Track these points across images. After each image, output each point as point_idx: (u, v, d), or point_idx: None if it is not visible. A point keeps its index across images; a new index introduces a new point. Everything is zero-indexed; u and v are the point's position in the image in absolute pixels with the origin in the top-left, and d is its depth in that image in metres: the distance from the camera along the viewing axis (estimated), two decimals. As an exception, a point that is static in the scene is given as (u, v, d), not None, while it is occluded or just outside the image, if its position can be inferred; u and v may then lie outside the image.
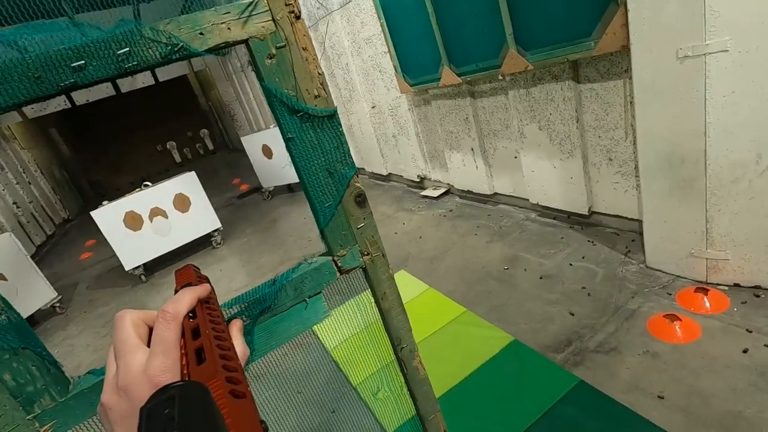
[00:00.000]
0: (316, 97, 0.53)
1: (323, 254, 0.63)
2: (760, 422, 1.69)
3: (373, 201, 5.65)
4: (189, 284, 0.48)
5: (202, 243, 5.73)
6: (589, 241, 3.18)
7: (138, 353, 0.38)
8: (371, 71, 5.11)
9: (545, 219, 3.70)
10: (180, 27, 0.45)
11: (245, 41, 0.49)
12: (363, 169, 6.78)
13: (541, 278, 2.95)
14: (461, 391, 2.21)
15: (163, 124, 16.08)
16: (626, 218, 3.07)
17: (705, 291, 2.32)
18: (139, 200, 5.05)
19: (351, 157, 0.58)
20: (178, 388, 0.32)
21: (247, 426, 0.32)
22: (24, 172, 9.87)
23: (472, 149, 4.15)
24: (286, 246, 5.11)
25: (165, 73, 11.44)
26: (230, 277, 4.74)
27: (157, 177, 14.00)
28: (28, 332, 0.47)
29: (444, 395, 2.19)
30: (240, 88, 11.12)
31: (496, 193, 4.27)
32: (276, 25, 0.50)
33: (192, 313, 0.43)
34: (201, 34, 0.46)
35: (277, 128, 5.21)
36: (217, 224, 5.64)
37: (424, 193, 5.19)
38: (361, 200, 0.59)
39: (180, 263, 5.51)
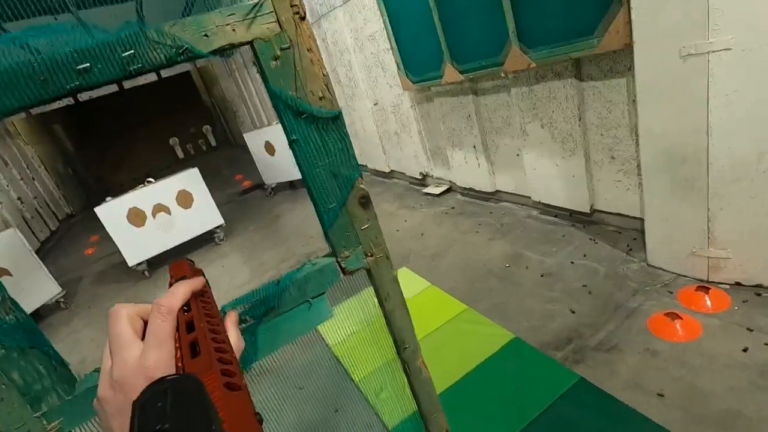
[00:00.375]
0: (320, 98, 0.54)
1: (327, 255, 0.63)
2: (759, 421, 1.69)
3: (375, 198, 5.63)
4: (183, 277, 0.49)
5: (205, 239, 5.74)
6: (590, 239, 3.18)
7: (133, 347, 0.38)
8: (374, 68, 5.10)
9: (547, 217, 3.70)
10: (185, 29, 0.45)
11: (250, 43, 0.49)
12: (365, 166, 6.78)
13: (542, 276, 2.95)
14: (462, 388, 2.22)
15: (165, 120, 16.08)
16: (628, 216, 3.07)
17: (706, 289, 2.32)
18: (142, 196, 5.06)
19: (355, 159, 0.58)
20: (171, 381, 0.32)
21: (241, 418, 0.32)
22: (28, 168, 9.91)
23: (475, 147, 4.15)
24: (289, 243, 5.12)
25: (168, 70, 11.43)
26: (232, 274, 4.76)
27: (160, 173, 14.00)
28: (36, 332, 0.48)
29: (444, 392, 2.20)
30: (243, 85, 11.11)
31: (498, 191, 4.27)
32: (281, 27, 0.50)
33: (186, 306, 0.43)
34: (206, 35, 0.47)
35: (279, 125, 5.23)
36: (220, 220, 5.66)
37: (426, 190, 5.19)
38: (365, 202, 0.60)
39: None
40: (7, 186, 8.38)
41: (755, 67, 1.84)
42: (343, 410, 2.23)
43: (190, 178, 5.36)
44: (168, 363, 0.37)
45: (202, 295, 0.48)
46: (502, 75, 3.34)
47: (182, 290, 0.44)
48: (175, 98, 16.03)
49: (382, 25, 4.40)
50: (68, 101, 10.91)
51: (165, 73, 11.61)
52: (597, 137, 2.99)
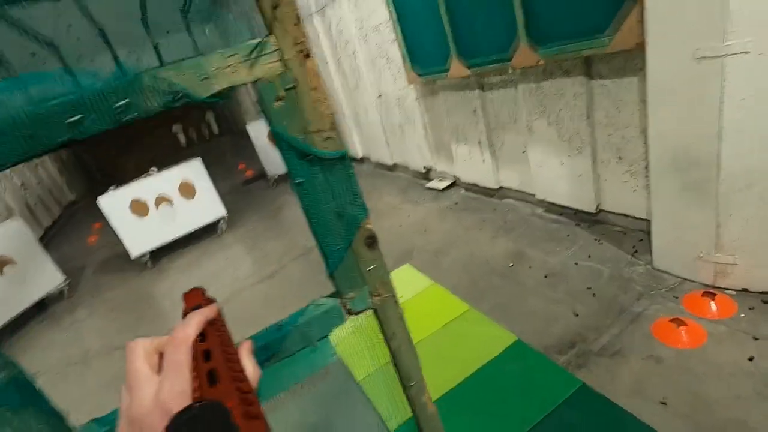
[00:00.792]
0: (326, 139, 0.51)
1: (331, 296, 0.61)
2: (763, 431, 1.68)
3: (377, 191, 5.62)
4: (197, 306, 0.48)
5: (208, 230, 5.74)
6: (595, 239, 3.15)
7: (149, 384, 0.38)
8: (378, 59, 5.02)
9: (551, 215, 3.66)
10: (182, 73, 0.42)
11: (252, 83, 0.46)
12: (368, 158, 6.73)
13: (545, 276, 2.93)
14: (463, 391, 2.22)
15: (168, 106, 15.98)
16: (634, 217, 3.03)
17: (712, 295, 2.30)
18: (145, 187, 5.05)
19: (362, 199, 0.56)
20: (200, 408, 0.33)
21: None
22: (30, 154, 9.88)
23: (479, 142, 4.09)
24: (292, 234, 5.11)
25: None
26: (236, 265, 4.76)
27: (163, 159, 14.00)
28: (29, 387, 0.46)
29: (446, 394, 2.20)
30: (245, 72, 10.98)
31: (502, 187, 4.22)
32: (285, 66, 0.47)
33: (202, 336, 0.44)
34: (205, 78, 0.44)
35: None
36: (223, 212, 5.65)
37: (429, 184, 5.15)
38: (371, 242, 0.57)
39: (186, 250, 5.55)
40: (10, 172, 8.38)
41: (773, 71, 1.79)
42: (342, 410, 2.24)
43: (193, 169, 5.34)
44: (184, 393, 0.37)
45: (215, 323, 0.47)
46: (510, 71, 3.27)
47: (197, 320, 0.44)
48: (178, 84, 15.89)
49: (388, 16, 4.31)
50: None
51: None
52: (605, 136, 2.94)
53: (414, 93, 4.74)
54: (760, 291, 2.24)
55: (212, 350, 0.41)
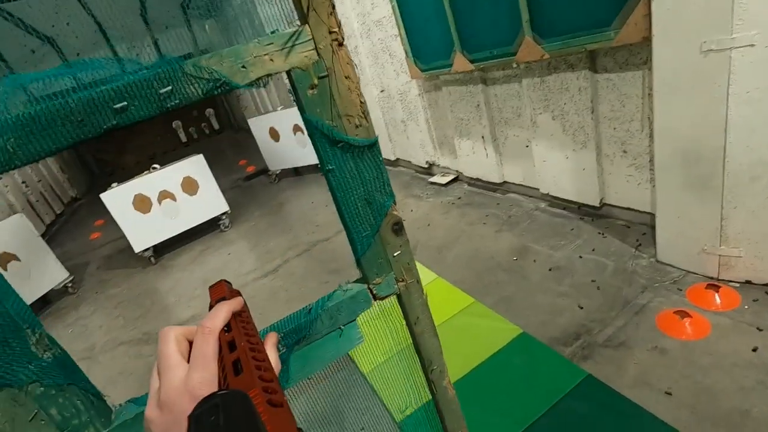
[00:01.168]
0: (357, 126, 0.52)
1: (358, 281, 0.62)
2: (767, 421, 1.70)
3: (380, 186, 5.61)
4: (223, 298, 0.50)
5: (211, 226, 5.75)
6: (599, 233, 3.17)
7: (179, 369, 0.40)
8: (381, 54, 5.01)
9: (555, 209, 3.67)
10: (222, 61, 0.44)
11: (287, 72, 0.48)
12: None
13: (550, 270, 2.95)
14: (469, 383, 2.24)
15: (167, 102, 15.92)
16: (638, 211, 3.05)
17: (716, 287, 2.32)
18: (148, 183, 5.06)
19: (390, 186, 0.57)
20: (222, 396, 0.34)
21: None
22: (31, 151, 9.86)
23: (483, 137, 4.10)
24: (295, 230, 5.12)
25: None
26: (239, 261, 4.78)
27: (163, 156, 13.94)
28: (73, 367, 0.48)
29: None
30: (245, 68, 10.95)
31: (505, 182, 4.23)
32: (319, 55, 0.48)
33: (227, 327, 0.45)
34: (243, 67, 0.45)
35: (284, 110, 5.15)
36: (225, 207, 5.66)
37: (432, 179, 5.16)
38: (398, 228, 0.59)
39: (189, 246, 5.56)
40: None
41: (779, 64, 1.80)
42: (351, 401, 2.26)
43: (196, 165, 5.35)
44: (211, 382, 0.39)
45: (240, 315, 0.49)
46: (514, 65, 3.27)
47: (224, 311, 0.46)
48: (178, 80, 15.83)
49: (391, 11, 4.30)
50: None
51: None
52: (609, 130, 2.94)
53: (417, 88, 4.74)
54: (764, 283, 2.26)
55: (237, 341, 0.43)
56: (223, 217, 5.74)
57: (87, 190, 12.31)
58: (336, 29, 0.48)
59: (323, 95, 0.50)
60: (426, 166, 5.33)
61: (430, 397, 0.72)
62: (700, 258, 2.43)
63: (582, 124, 3.04)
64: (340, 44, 0.49)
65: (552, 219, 3.56)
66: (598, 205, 3.27)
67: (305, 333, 0.55)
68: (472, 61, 3.58)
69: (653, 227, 2.68)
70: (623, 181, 3.04)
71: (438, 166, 5.22)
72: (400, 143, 5.68)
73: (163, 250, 5.54)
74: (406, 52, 4.40)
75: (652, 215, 2.76)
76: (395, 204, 0.59)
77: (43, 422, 0.46)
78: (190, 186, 5.32)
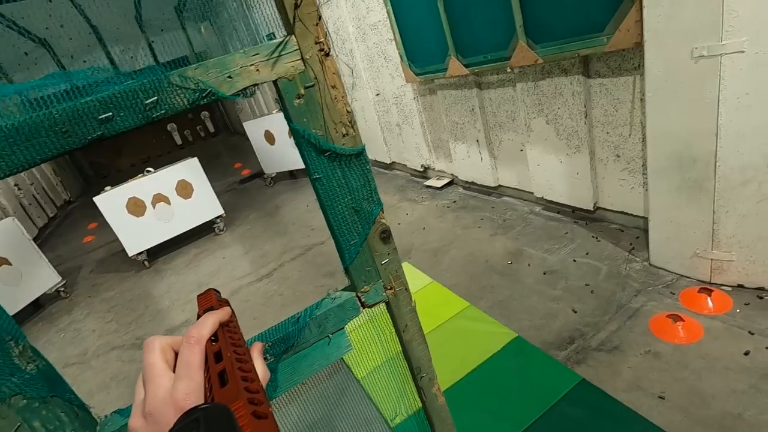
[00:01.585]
0: (344, 135, 0.52)
1: (346, 288, 0.62)
2: (759, 424, 1.71)
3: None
4: (211, 308, 0.49)
5: (205, 229, 5.73)
6: (593, 236, 3.18)
7: (164, 378, 0.40)
8: (376, 58, 5.03)
9: (549, 213, 3.69)
10: (208, 72, 0.44)
11: (273, 82, 0.48)
12: (366, 156, 6.73)
13: (544, 274, 2.96)
14: (463, 388, 2.24)
15: (163, 105, 15.85)
16: (631, 215, 3.07)
17: (708, 291, 2.33)
18: (142, 186, 5.03)
19: (377, 194, 0.57)
20: (203, 410, 0.34)
21: None
22: (24, 154, 9.78)
23: (478, 141, 4.12)
24: (290, 234, 5.11)
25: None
26: (233, 265, 4.76)
27: (158, 159, 13.88)
28: (57, 378, 0.47)
29: (446, 391, 2.22)
30: (241, 71, 10.94)
31: (500, 186, 4.25)
32: (305, 64, 0.48)
33: (214, 337, 0.45)
34: (229, 77, 0.45)
35: (280, 113, 5.14)
36: (220, 210, 5.64)
37: (427, 183, 5.17)
38: (385, 236, 0.59)
39: (183, 249, 5.53)
40: (5, 172, 8.30)
41: (768, 70, 1.82)
42: (343, 407, 2.25)
43: (190, 168, 5.33)
44: (197, 393, 0.38)
45: (228, 326, 0.49)
46: (508, 70, 3.29)
47: (210, 321, 0.46)
48: (173, 83, 15.77)
49: (386, 15, 4.32)
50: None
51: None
52: (603, 135, 2.96)
53: (412, 92, 4.75)
54: (756, 287, 2.28)
55: (224, 351, 0.42)
56: (218, 220, 5.72)
57: (80, 192, 12.23)
58: (322, 39, 0.48)
59: (310, 105, 0.50)
60: (421, 169, 5.34)
61: (420, 403, 0.72)
62: (692, 262, 2.45)
63: (575, 129, 3.06)
64: (327, 54, 0.49)
65: (546, 223, 3.57)
66: (592, 209, 3.29)
67: (293, 342, 0.55)
68: (466, 66, 3.60)
69: (646, 231, 2.70)
70: (616, 185, 3.06)
71: (433, 169, 5.24)
72: (395, 147, 5.69)
73: (157, 253, 5.51)
74: (401, 56, 4.42)
75: (645, 219, 2.78)
76: (383, 212, 0.59)
77: (26, 435, 0.45)
78: (184, 189, 5.30)
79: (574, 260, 2.98)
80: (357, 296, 0.60)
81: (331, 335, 0.58)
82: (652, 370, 2.05)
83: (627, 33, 2.33)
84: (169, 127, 15.80)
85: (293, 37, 0.47)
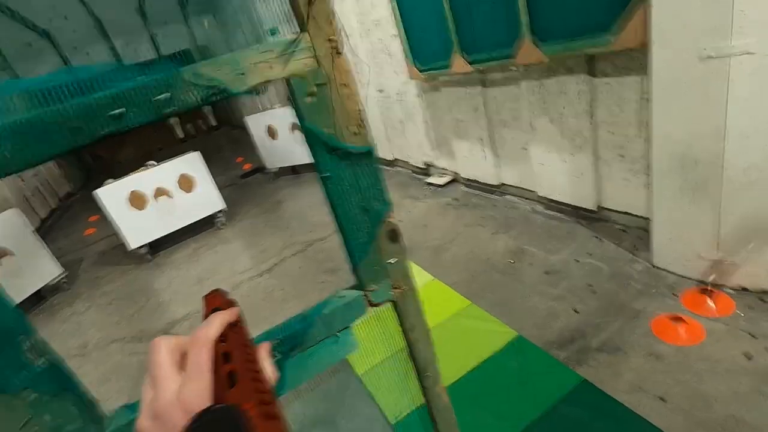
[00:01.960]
0: (354, 134, 0.52)
1: (353, 287, 0.62)
2: (761, 427, 1.71)
3: (378, 186, 5.61)
4: (218, 308, 0.49)
5: (207, 223, 5.73)
6: (595, 236, 3.18)
7: (172, 379, 0.39)
8: (379, 54, 5.00)
9: (552, 212, 3.68)
10: (220, 68, 0.43)
11: (285, 79, 0.47)
12: (368, 152, 6.71)
13: (546, 273, 2.96)
14: (464, 386, 2.24)
15: (165, 98, 15.84)
16: (634, 215, 3.06)
17: (711, 293, 2.33)
18: (144, 180, 5.04)
19: (386, 193, 0.57)
20: (215, 412, 0.34)
21: None
22: (26, 145, 9.79)
23: (481, 139, 4.10)
24: (291, 229, 5.11)
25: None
26: (234, 259, 4.77)
27: (159, 152, 13.87)
28: (67, 373, 0.47)
29: (447, 389, 2.22)
30: (244, 65, 10.90)
31: (502, 184, 4.24)
32: (317, 62, 0.48)
33: (222, 337, 0.44)
34: (242, 74, 0.44)
35: (282, 108, 5.14)
36: (222, 205, 5.64)
37: (429, 180, 5.16)
38: (394, 236, 0.59)
39: (184, 243, 5.54)
40: (7, 164, 8.30)
41: (777, 72, 1.81)
42: (346, 404, 2.26)
43: (192, 162, 5.33)
44: (205, 394, 0.38)
45: (236, 326, 0.48)
46: (513, 68, 3.28)
47: (218, 321, 0.45)
48: (176, 76, 15.76)
49: (390, 11, 4.30)
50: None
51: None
52: (607, 135, 2.95)
53: (415, 88, 4.74)
54: (759, 290, 2.28)
55: (232, 352, 0.42)
56: (220, 214, 5.72)
57: (82, 185, 12.25)
58: (335, 37, 0.48)
59: (321, 103, 0.49)
60: (423, 166, 5.33)
61: (424, 402, 0.72)
62: (695, 263, 2.44)
63: (580, 128, 3.05)
64: (339, 52, 0.49)
65: (548, 222, 3.57)
66: (595, 209, 3.28)
67: (300, 340, 0.55)
68: (471, 63, 3.58)
69: (649, 232, 2.69)
70: (620, 185, 3.05)
71: (435, 167, 5.22)
72: (397, 143, 5.68)
73: (158, 247, 5.51)
74: (404, 53, 4.40)
75: (649, 220, 2.77)
76: (392, 211, 0.59)
77: (36, 428, 0.45)
78: (186, 183, 5.30)
79: (576, 260, 2.98)
80: (364, 295, 0.60)
81: (338, 333, 0.58)
82: (653, 372, 2.05)
83: (634, 32, 2.32)
84: (171, 121, 15.79)
85: (306, 34, 0.47)
